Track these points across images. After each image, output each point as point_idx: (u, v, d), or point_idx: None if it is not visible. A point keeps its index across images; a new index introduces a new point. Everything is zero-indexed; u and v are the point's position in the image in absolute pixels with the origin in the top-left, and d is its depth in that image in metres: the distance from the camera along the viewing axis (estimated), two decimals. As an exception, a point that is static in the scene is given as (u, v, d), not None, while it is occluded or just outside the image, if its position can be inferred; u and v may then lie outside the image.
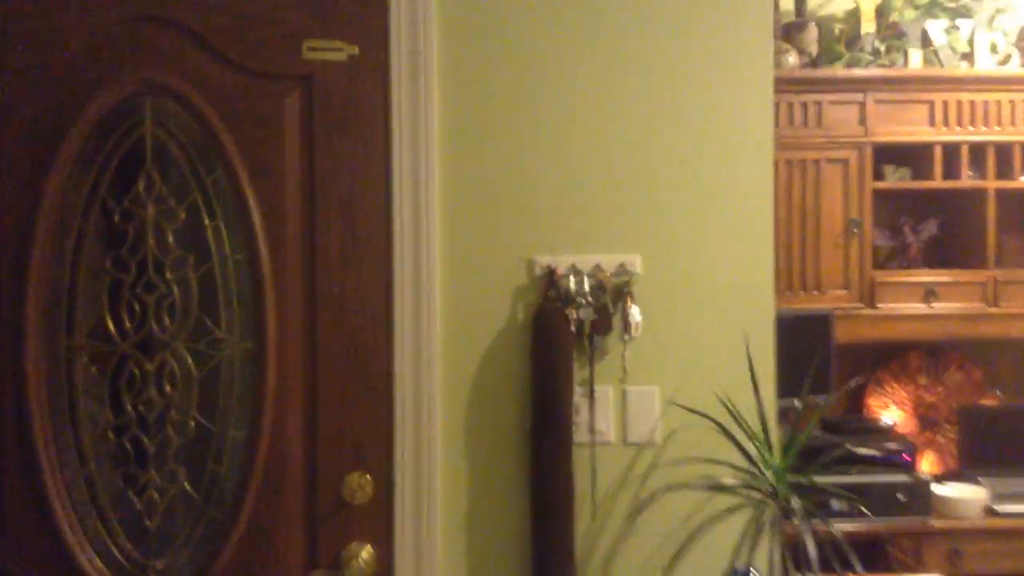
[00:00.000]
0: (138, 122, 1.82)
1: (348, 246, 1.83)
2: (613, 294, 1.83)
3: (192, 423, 1.83)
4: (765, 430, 1.76)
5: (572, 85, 1.85)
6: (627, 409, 1.85)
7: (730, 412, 1.77)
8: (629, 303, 1.82)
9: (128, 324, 1.83)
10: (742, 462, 1.76)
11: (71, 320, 1.82)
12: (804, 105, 3.35)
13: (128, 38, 1.81)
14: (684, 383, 1.85)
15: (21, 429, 1.79)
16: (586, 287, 1.82)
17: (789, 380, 2.01)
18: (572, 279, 1.82)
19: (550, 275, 1.83)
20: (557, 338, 1.79)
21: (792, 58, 3.37)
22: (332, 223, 1.83)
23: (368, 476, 1.82)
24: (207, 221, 1.84)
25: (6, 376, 1.80)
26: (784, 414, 1.96)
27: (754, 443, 1.76)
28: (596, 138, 1.85)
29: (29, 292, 1.78)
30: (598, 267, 1.84)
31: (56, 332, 1.82)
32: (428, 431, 1.82)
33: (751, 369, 1.77)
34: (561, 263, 1.84)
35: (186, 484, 1.84)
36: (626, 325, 1.82)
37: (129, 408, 1.83)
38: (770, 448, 1.76)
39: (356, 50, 1.82)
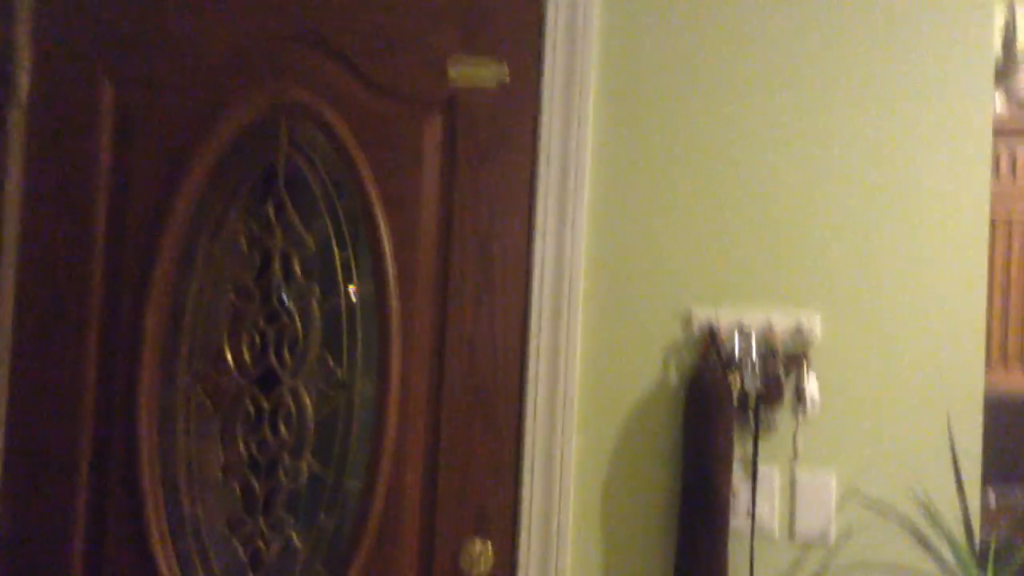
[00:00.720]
0: (272, 143, 1.74)
1: (482, 287, 1.67)
2: (786, 359, 1.57)
3: (305, 468, 1.70)
4: (970, 536, 1.44)
5: (753, 117, 1.64)
6: (796, 497, 1.58)
7: (925, 510, 1.48)
8: (805, 371, 1.55)
9: (247, 357, 1.72)
10: (938, 574, 1.45)
11: (189, 349, 1.74)
12: (1018, 157, 2.95)
13: (266, 54, 1.73)
14: (867, 471, 1.56)
15: (128, 458, 1.71)
16: (753, 349, 1.57)
17: (994, 473, 1.68)
18: (737, 338, 1.58)
19: (710, 332, 1.59)
20: (716, 408, 1.54)
21: (1001, 105, 2.99)
22: (467, 261, 1.67)
23: (489, 545, 1.63)
24: (336, 251, 1.72)
25: (117, 402, 1.72)
26: (989, 513, 1.62)
27: (954, 552, 1.44)
28: (774, 177, 1.63)
29: (148, 316, 1.71)
30: (768, 326, 1.58)
31: (172, 360, 1.73)
32: (559, 501, 1.63)
33: (954, 460, 1.48)
34: (724, 318, 1.59)
35: (294, 535, 1.70)
36: (800, 397, 1.55)
37: (241, 447, 1.72)
38: (975, 559, 1.43)
39: (505, 74, 1.67)
